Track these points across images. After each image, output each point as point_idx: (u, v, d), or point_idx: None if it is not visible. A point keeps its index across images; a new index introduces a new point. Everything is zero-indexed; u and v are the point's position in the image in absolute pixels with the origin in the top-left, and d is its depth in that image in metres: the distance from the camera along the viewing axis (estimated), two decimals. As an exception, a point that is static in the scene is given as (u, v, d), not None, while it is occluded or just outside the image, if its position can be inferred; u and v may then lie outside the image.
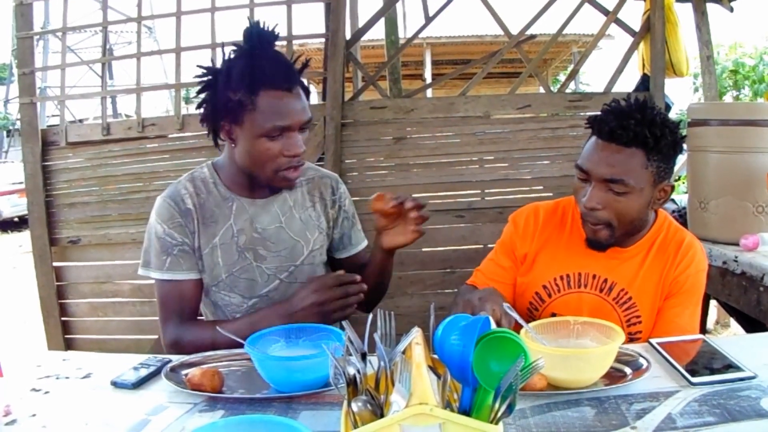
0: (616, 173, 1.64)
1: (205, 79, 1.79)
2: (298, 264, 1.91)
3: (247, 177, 1.84)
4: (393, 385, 0.99)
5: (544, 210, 1.93)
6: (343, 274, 1.71)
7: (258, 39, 1.74)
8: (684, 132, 1.73)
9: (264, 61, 1.72)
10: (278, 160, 1.74)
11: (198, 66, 1.81)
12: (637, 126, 1.62)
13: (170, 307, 1.82)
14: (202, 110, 1.81)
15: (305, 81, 1.85)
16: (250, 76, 1.69)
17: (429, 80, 11.80)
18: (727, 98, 12.76)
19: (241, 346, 1.46)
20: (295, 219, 1.92)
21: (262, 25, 1.76)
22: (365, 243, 2.11)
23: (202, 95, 1.80)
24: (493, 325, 1.02)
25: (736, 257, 2.64)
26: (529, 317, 1.84)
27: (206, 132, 1.83)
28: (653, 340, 1.55)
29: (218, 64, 1.80)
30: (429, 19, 3.75)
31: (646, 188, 1.66)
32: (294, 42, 3.73)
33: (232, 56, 1.76)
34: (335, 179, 2.05)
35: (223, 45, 1.84)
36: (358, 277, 1.69)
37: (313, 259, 1.95)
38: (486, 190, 3.66)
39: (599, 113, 1.71)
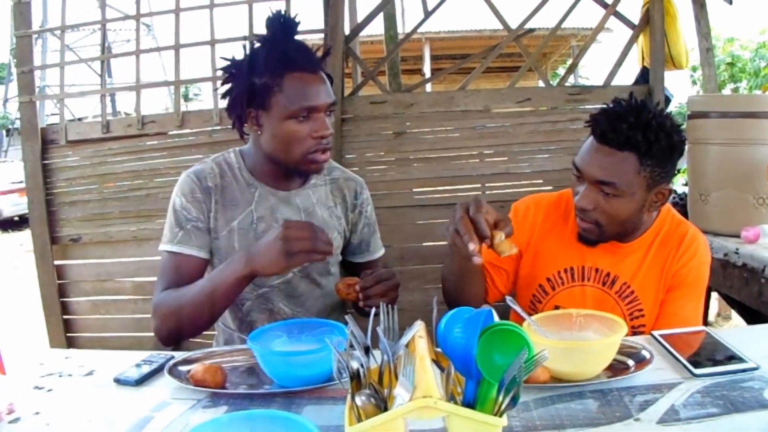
0: (607, 176, 1.63)
1: (232, 71, 1.80)
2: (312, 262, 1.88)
3: (273, 166, 1.84)
4: (397, 378, 0.99)
5: (547, 202, 1.93)
6: (316, 225, 1.61)
7: (281, 26, 1.75)
8: (684, 135, 1.71)
9: (287, 45, 1.73)
10: (306, 142, 1.74)
11: (222, 58, 1.83)
12: (630, 130, 1.60)
13: (165, 277, 1.79)
14: (227, 102, 1.82)
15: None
16: (275, 60, 1.71)
17: (428, 75, 11.80)
18: (726, 91, 12.76)
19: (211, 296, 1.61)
20: (317, 216, 1.90)
21: (284, 14, 1.77)
22: (383, 251, 2.09)
23: (227, 87, 1.81)
24: (496, 318, 1.01)
25: (737, 249, 2.64)
26: (533, 310, 1.84)
27: (231, 125, 1.84)
28: (656, 332, 1.55)
29: (216, 59, 1.83)
30: (428, 14, 3.74)
31: (639, 192, 1.65)
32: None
33: (254, 45, 1.78)
34: (360, 183, 2.03)
35: (248, 39, 1.85)
36: (328, 236, 1.60)
37: (328, 257, 1.91)
38: (486, 184, 3.65)
39: (598, 112, 1.70)
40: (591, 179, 1.67)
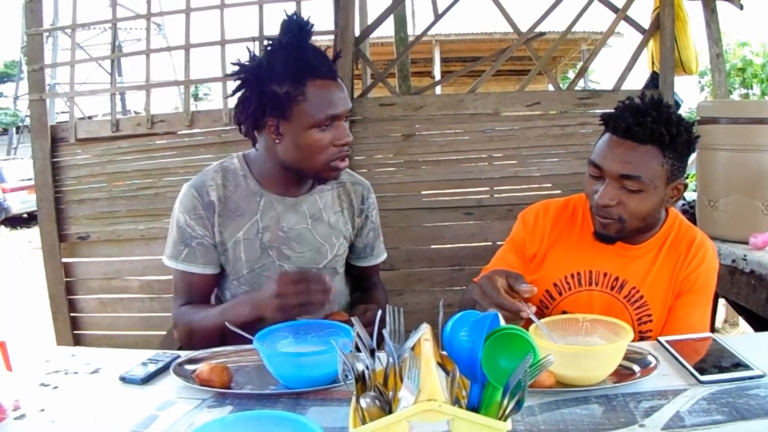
0: (631, 170, 1.62)
1: (241, 76, 1.76)
2: (320, 267, 1.89)
3: (285, 173, 1.81)
4: (402, 381, 0.99)
5: (555, 207, 1.92)
6: (312, 272, 1.66)
7: (298, 30, 1.72)
8: (696, 131, 1.71)
9: (307, 51, 1.70)
10: (329, 150, 1.73)
11: (232, 63, 1.79)
12: (654, 123, 1.60)
13: (180, 292, 1.85)
14: (240, 109, 1.77)
15: None
16: (297, 67, 1.68)
17: (438, 77, 11.80)
18: (735, 97, 12.69)
19: (221, 329, 1.57)
20: (323, 222, 1.90)
21: (299, 17, 1.74)
22: (385, 256, 2.10)
23: (239, 93, 1.78)
24: (502, 322, 1.01)
25: (745, 256, 2.63)
26: (540, 315, 1.83)
27: (240, 131, 1.81)
28: (662, 338, 1.54)
29: (226, 59, 1.78)
30: (438, 17, 3.74)
31: (660, 186, 1.65)
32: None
33: (269, 50, 1.74)
34: (367, 188, 2.02)
35: (258, 39, 1.79)
36: (326, 278, 1.60)
37: (335, 263, 1.93)
38: (495, 188, 3.66)
39: (613, 110, 1.69)
40: (614, 175, 1.65)
